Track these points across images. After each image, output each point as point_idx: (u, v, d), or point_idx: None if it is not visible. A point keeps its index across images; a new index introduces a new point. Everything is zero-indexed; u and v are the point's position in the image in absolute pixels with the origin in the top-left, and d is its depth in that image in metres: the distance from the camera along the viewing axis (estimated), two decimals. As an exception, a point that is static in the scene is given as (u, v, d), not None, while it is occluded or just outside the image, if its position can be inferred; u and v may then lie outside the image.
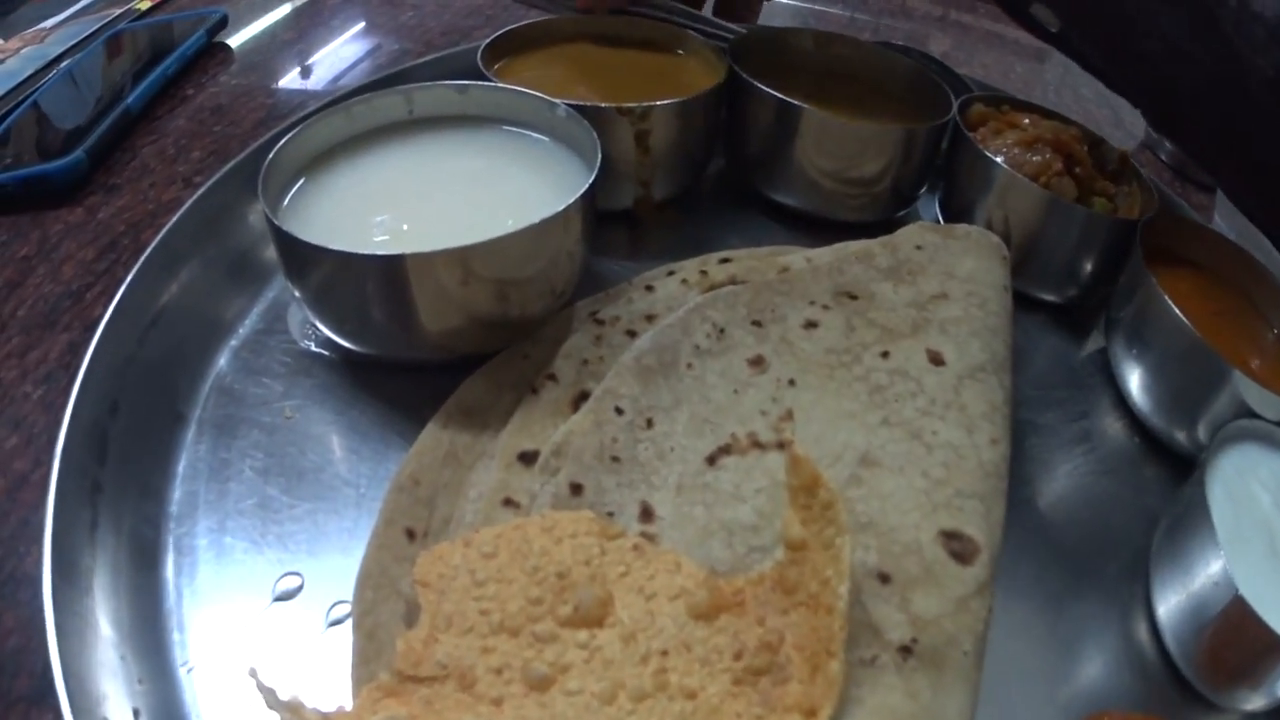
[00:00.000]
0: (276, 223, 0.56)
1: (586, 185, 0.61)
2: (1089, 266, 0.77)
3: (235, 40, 1.06)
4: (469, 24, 1.11)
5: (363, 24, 1.13)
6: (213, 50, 1.02)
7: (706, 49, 0.83)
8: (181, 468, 0.58)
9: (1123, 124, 1.13)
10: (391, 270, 0.56)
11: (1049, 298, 0.80)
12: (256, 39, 1.07)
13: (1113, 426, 0.73)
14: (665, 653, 0.45)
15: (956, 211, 0.82)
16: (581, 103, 0.69)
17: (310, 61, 1.04)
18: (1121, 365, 0.73)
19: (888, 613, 0.48)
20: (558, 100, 0.68)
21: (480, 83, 0.71)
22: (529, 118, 0.71)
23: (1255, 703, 0.55)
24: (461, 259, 0.56)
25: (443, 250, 0.55)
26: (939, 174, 0.85)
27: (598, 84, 0.79)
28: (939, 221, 0.85)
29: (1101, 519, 0.65)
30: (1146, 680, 0.56)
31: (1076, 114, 1.00)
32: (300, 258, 0.58)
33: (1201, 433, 0.67)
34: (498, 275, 0.58)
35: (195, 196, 0.70)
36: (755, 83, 0.77)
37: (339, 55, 1.06)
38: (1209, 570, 0.55)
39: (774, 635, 0.45)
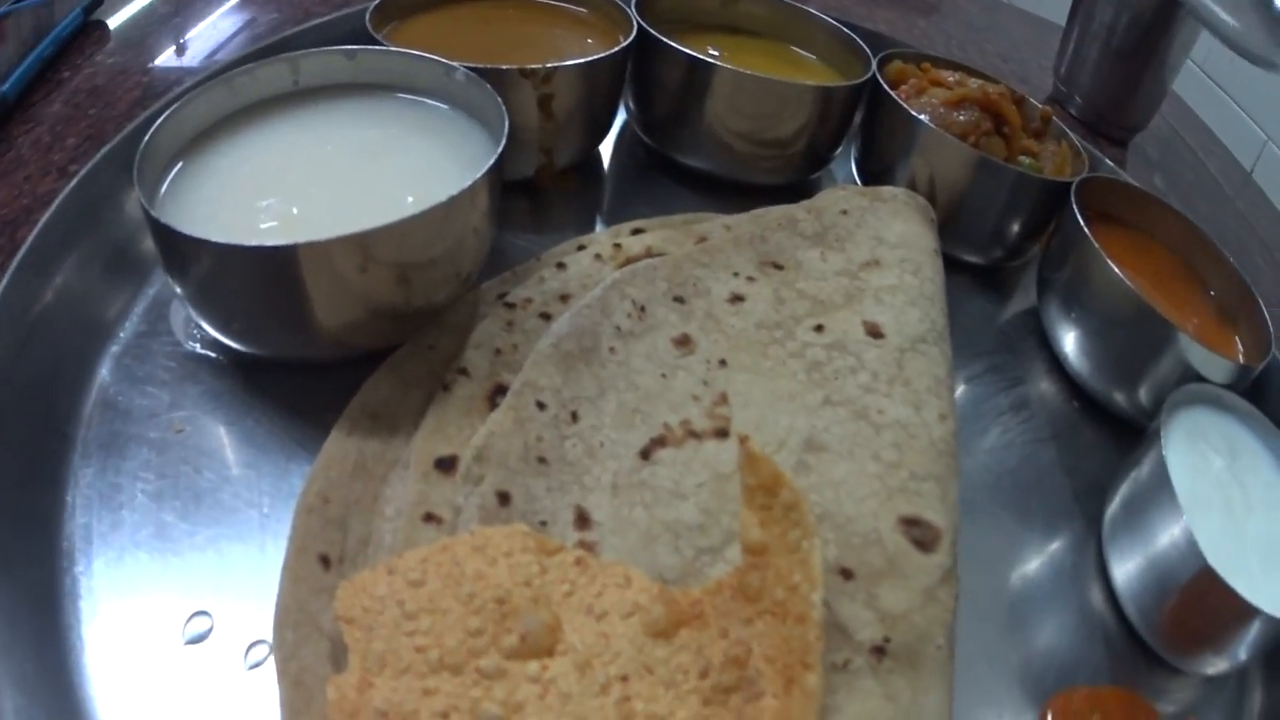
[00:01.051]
0: (153, 213, 0.50)
1: (494, 156, 0.56)
2: (1016, 228, 0.75)
3: (112, 17, 0.98)
4: None
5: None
6: (89, 29, 0.94)
7: (609, 5, 0.78)
8: (70, 497, 0.52)
9: (1029, 80, 1.12)
10: (281, 262, 0.50)
11: (973, 259, 0.78)
12: (133, 15, 0.98)
13: (1049, 391, 0.72)
14: (625, 678, 0.41)
15: (875, 172, 0.79)
16: (480, 65, 0.63)
17: (186, 36, 0.96)
18: (1056, 328, 0.71)
19: (855, 611, 0.46)
20: (455, 63, 0.63)
21: (370, 47, 0.65)
22: (425, 84, 0.65)
23: (1219, 666, 0.56)
24: (360, 246, 0.50)
25: (339, 238, 0.49)
26: (854, 134, 0.82)
27: (496, 45, 0.73)
28: (855, 183, 0.82)
29: (1046, 487, 0.64)
30: (1109, 649, 0.56)
31: (981, 70, 0.99)
32: (180, 252, 0.51)
33: (1143, 395, 0.66)
34: (399, 260, 0.53)
35: (66, 190, 0.63)
36: (666, 40, 0.73)
37: (216, 28, 0.98)
38: (1173, 540, 0.54)
39: (740, 648, 0.42)
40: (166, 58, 0.91)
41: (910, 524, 0.49)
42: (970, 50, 1.15)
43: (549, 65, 0.66)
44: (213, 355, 0.59)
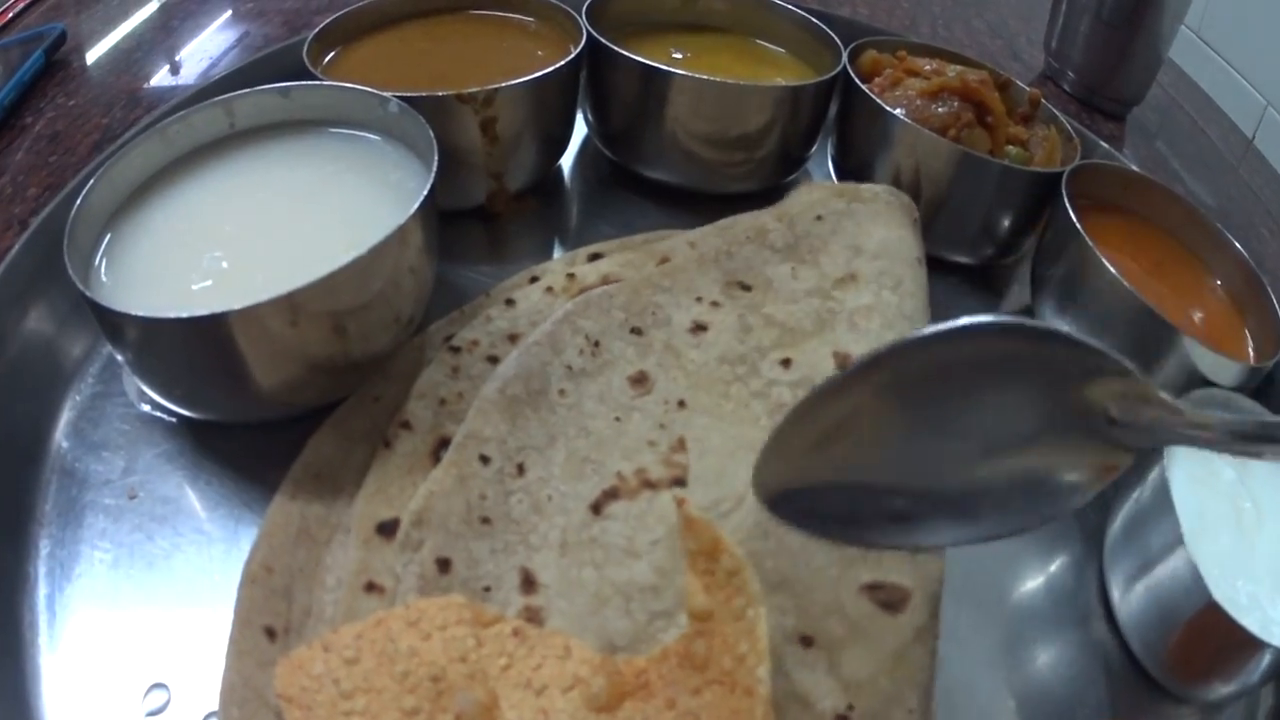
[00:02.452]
0: (82, 288, 0.49)
1: (424, 191, 0.53)
2: (1007, 223, 0.71)
3: (79, 55, 0.97)
4: (310, 8, 1.01)
5: (200, 20, 1.03)
6: (52, 70, 0.93)
7: (558, 14, 0.75)
8: (32, 568, 0.52)
9: (1019, 56, 1.07)
10: (209, 330, 0.48)
11: (963, 259, 0.74)
12: (97, 54, 0.97)
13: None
14: None
15: (853, 171, 0.75)
16: (416, 93, 0.60)
17: (145, 72, 0.94)
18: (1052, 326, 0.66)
19: (815, 680, 0.43)
20: (388, 93, 0.60)
21: (305, 83, 0.63)
22: (359, 116, 0.62)
23: (1226, 692, 0.53)
24: (288, 305, 0.48)
25: (267, 301, 0.47)
26: (829, 130, 0.78)
27: (441, 66, 0.70)
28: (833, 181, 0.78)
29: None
30: (1110, 681, 0.54)
31: (969, 48, 0.95)
32: (111, 325, 0.50)
33: None
34: (332, 310, 0.50)
35: (13, 252, 0.62)
36: (614, 48, 0.69)
37: (174, 58, 0.96)
38: (1175, 571, 0.51)
39: (689, 719, 0.39)
40: (125, 96, 0.89)
41: (874, 589, 0.45)
42: (955, 27, 1.11)
43: (488, 88, 0.63)
44: (165, 417, 0.58)
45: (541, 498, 0.47)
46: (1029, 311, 0.71)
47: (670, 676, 0.40)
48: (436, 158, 0.55)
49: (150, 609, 0.50)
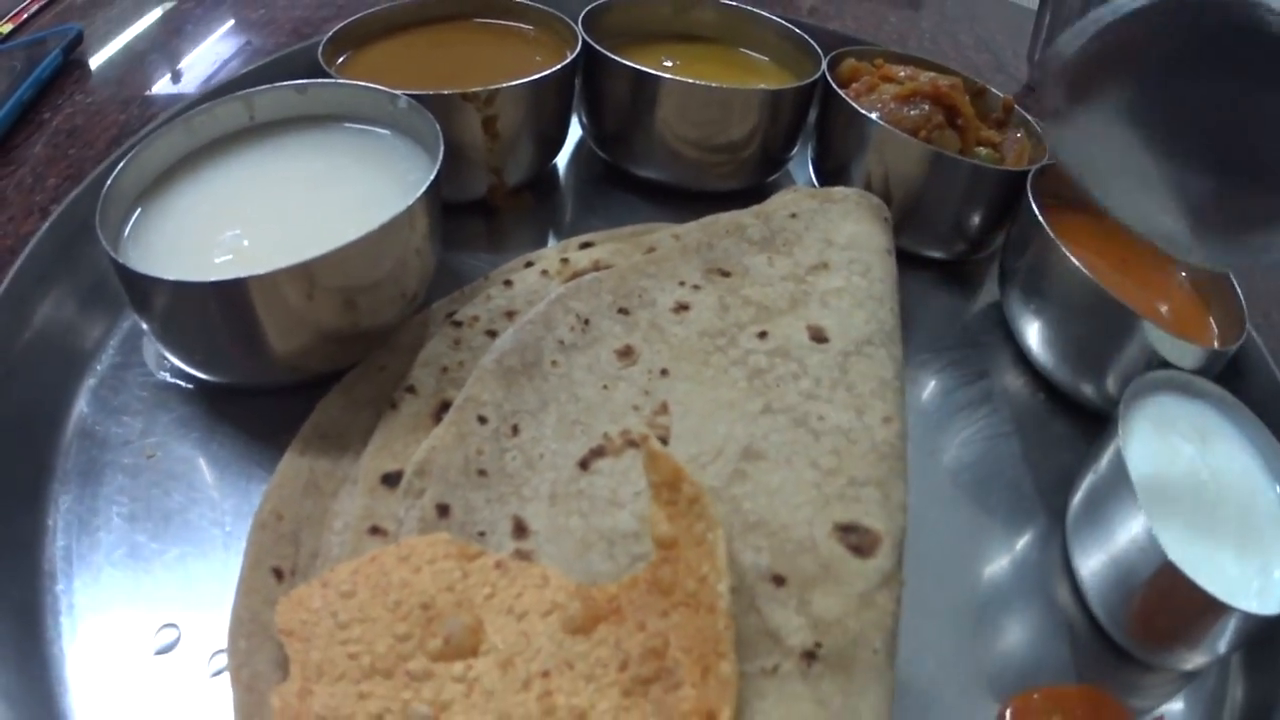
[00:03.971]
0: (114, 256, 0.55)
1: (430, 180, 0.59)
2: (977, 220, 0.77)
3: (94, 55, 1.03)
4: (320, 16, 1.08)
5: (213, 24, 1.09)
6: (69, 69, 0.99)
7: (556, 22, 0.82)
8: (52, 522, 0.56)
9: (1005, 68, 1.13)
10: (231, 294, 0.54)
11: (936, 254, 0.80)
12: (111, 53, 1.04)
13: (1014, 384, 0.73)
14: (547, 674, 0.44)
15: (831, 172, 0.81)
16: (424, 92, 0.66)
17: (161, 72, 1.01)
18: (1019, 319, 0.73)
19: (786, 617, 0.47)
20: (398, 91, 0.66)
21: (320, 80, 0.69)
22: (370, 112, 0.69)
23: (1195, 661, 0.56)
24: (305, 274, 0.54)
25: (285, 268, 0.53)
26: (810, 134, 0.84)
27: (445, 70, 0.77)
28: (813, 184, 0.85)
29: (1012, 482, 0.66)
30: (1075, 647, 0.57)
31: (956, 61, 1.00)
32: (140, 290, 0.56)
33: (1111, 385, 0.68)
34: (344, 285, 0.57)
35: (40, 231, 0.68)
36: (608, 54, 0.76)
37: (189, 61, 1.03)
38: (1133, 535, 0.54)
39: (658, 639, 0.44)
40: (142, 94, 0.95)
41: (847, 530, 0.50)
42: (942, 42, 1.17)
43: (490, 87, 0.69)
44: (182, 384, 0.63)
45: (534, 455, 0.53)
46: (998, 308, 0.77)
47: (639, 601, 0.45)
48: (442, 150, 0.61)
49: (164, 558, 0.55)
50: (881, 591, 0.48)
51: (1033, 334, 0.71)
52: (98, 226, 0.56)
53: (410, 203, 0.57)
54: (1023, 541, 0.62)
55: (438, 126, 0.63)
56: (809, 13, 0.93)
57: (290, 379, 0.61)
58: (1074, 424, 0.70)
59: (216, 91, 0.75)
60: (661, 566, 0.46)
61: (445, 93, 0.68)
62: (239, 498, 0.57)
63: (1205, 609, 0.51)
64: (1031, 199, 0.70)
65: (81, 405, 0.62)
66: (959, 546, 0.61)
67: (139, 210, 0.62)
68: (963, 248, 0.79)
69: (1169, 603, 0.54)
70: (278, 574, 0.50)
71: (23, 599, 0.52)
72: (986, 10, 1.28)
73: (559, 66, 0.73)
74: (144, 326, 0.60)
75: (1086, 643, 0.57)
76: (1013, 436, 0.69)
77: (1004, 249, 0.76)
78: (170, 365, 0.64)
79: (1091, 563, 0.58)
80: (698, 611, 0.44)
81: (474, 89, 0.69)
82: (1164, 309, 0.70)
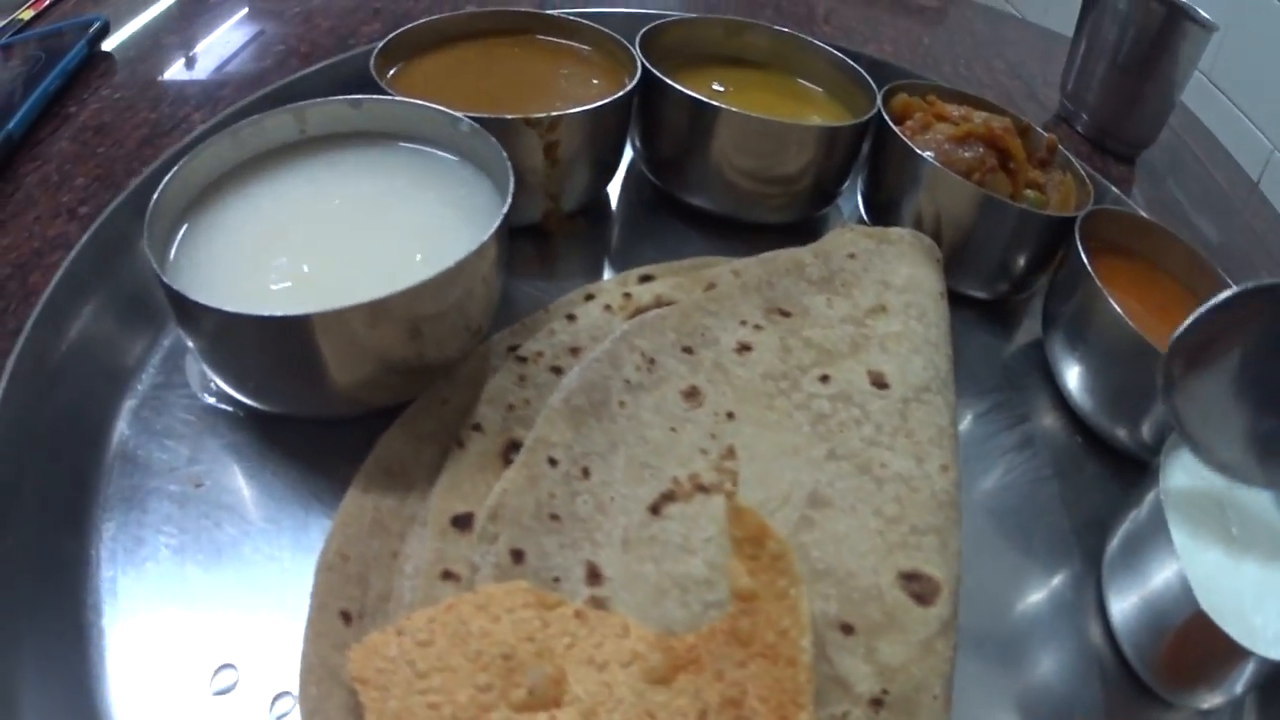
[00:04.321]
0: (165, 279, 0.53)
1: (502, 214, 0.59)
2: (1022, 262, 0.78)
3: (118, 45, 1.00)
4: (356, 19, 1.06)
5: (246, 25, 1.07)
6: (94, 61, 0.96)
7: (610, 42, 0.81)
8: (94, 551, 0.54)
9: (1036, 96, 1.14)
10: (295, 330, 0.52)
11: (979, 294, 0.80)
12: (138, 45, 1.01)
13: (1053, 426, 0.74)
14: None
15: (882, 208, 0.82)
16: (485, 115, 0.66)
17: (193, 71, 0.98)
18: (1061, 363, 0.74)
19: (854, 665, 0.48)
20: (459, 113, 0.65)
21: (375, 96, 0.68)
22: (429, 132, 0.68)
23: (1212, 701, 0.58)
24: (375, 311, 0.53)
25: (354, 306, 0.52)
26: (861, 166, 0.85)
27: (500, 88, 0.76)
28: (862, 218, 0.85)
29: (1051, 524, 0.67)
30: (1105, 685, 0.59)
31: (988, 87, 1.01)
32: (191, 316, 0.54)
33: (1145, 432, 0.69)
34: (410, 317, 0.56)
35: (80, 243, 0.66)
36: (670, 82, 0.75)
37: (222, 60, 1.00)
38: (1168, 582, 0.56)
39: (735, 689, 0.45)
40: (173, 90, 0.93)
41: (910, 578, 0.51)
42: (976, 67, 1.18)
43: (553, 114, 0.69)
44: (228, 408, 0.62)
45: (605, 499, 0.53)
46: (1039, 346, 0.78)
47: (718, 651, 0.46)
48: (512, 180, 0.60)
49: (217, 594, 0.53)
50: (940, 638, 0.50)
51: (1073, 378, 0.72)
52: (146, 246, 0.54)
53: (485, 237, 0.56)
54: (1060, 582, 0.63)
55: (505, 155, 0.62)
56: (824, 20, 0.93)
57: (348, 412, 0.60)
58: (1107, 466, 0.71)
59: (263, 100, 0.73)
60: (740, 618, 0.47)
61: (507, 117, 0.67)
62: (296, 531, 0.56)
63: (1230, 655, 0.53)
64: (1080, 247, 0.71)
65: (122, 426, 0.60)
66: (998, 587, 0.62)
67: (185, 226, 0.60)
68: (1005, 289, 0.80)
69: (1197, 648, 0.55)
70: (345, 617, 0.50)
71: (66, 634, 0.50)
72: (1017, 34, 1.30)
73: (620, 94, 0.73)
74: (189, 345, 0.58)
75: (1115, 681, 0.59)
76: (1052, 480, 0.69)
77: (1049, 292, 0.77)
78: (216, 388, 0.62)
79: (1126, 604, 0.60)
80: (776, 663, 0.45)
81: (537, 114, 0.68)
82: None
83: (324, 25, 1.03)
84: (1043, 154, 0.82)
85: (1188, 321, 0.58)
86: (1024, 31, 1.32)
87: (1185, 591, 0.54)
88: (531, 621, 0.47)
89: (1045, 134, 0.82)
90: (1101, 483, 0.70)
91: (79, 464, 0.58)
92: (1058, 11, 1.23)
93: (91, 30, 0.96)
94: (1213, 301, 0.58)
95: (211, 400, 0.62)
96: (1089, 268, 0.70)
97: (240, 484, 0.58)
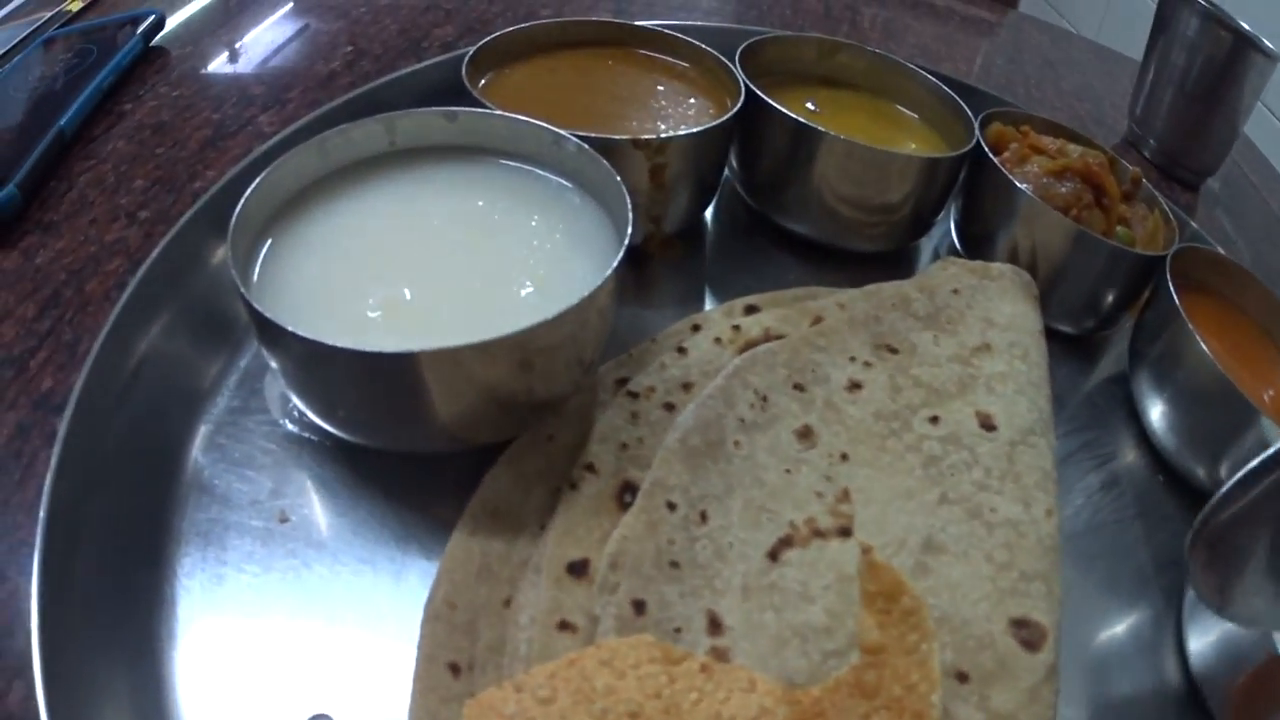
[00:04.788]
0: (255, 305, 0.49)
1: (624, 245, 0.55)
2: (1111, 299, 0.77)
3: (171, 41, 0.96)
4: (427, 20, 1.02)
5: (309, 23, 1.03)
6: (149, 56, 0.92)
7: (711, 60, 0.79)
8: (170, 589, 0.51)
9: (1104, 120, 1.12)
10: (401, 367, 0.49)
11: (1066, 329, 0.79)
12: (194, 41, 0.97)
13: (1137, 465, 0.73)
14: None
15: (976, 238, 0.80)
16: (590, 134, 0.63)
17: (253, 69, 0.94)
18: (1145, 401, 0.73)
19: (969, 714, 0.48)
20: (564, 131, 0.62)
21: (471, 109, 0.65)
22: (530, 150, 0.64)
23: None
24: (485, 350, 0.49)
25: (466, 346, 0.48)
26: (955, 195, 0.83)
27: (597, 102, 0.74)
28: (953, 246, 0.84)
29: (1132, 564, 0.66)
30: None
31: (1059, 109, 1.00)
32: (283, 346, 0.50)
33: (1224, 472, 0.68)
34: (523, 356, 0.52)
35: (151, 257, 0.62)
36: (771, 102, 0.73)
37: (287, 59, 0.96)
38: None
39: None
40: (235, 90, 0.89)
41: (1019, 625, 0.50)
42: (1046, 89, 1.16)
43: (662, 135, 0.66)
44: (312, 437, 0.59)
45: (723, 544, 0.52)
46: (1124, 379, 0.77)
47: (842, 704, 0.45)
48: (630, 209, 0.57)
49: (308, 637, 0.50)
50: (1046, 684, 0.49)
51: (1158, 416, 0.72)
52: (229, 264, 0.51)
53: (607, 271, 0.53)
54: (1140, 621, 0.62)
55: (619, 180, 0.59)
56: (872, 35, 0.90)
57: (446, 449, 0.57)
58: (1188, 505, 0.70)
59: (344, 107, 0.71)
60: (866, 671, 0.46)
61: (615, 138, 0.65)
62: (394, 572, 0.53)
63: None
64: (1171, 287, 0.70)
65: (196, 454, 0.57)
66: (1081, 627, 0.61)
67: (269, 241, 0.57)
68: (1091, 324, 0.79)
69: (1269, 689, 0.56)
70: (454, 669, 0.48)
71: (140, 678, 0.47)
72: (1083, 56, 1.28)
73: (729, 115, 0.71)
74: (273, 366, 0.54)
75: (1187, 716, 0.58)
76: (1136, 520, 0.68)
77: (1135, 330, 0.76)
78: (298, 414, 0.59)
79: (1203, 645, 0.59)
80: (901, 716, 0.44)
81: (646, 136, 0.66)
82: (1268, 395, 0.71)
83: (393, 27, 1.00)
84: (1127, 187, 0.80)
85: (1214, 500, 0.51)
86: (1088, 52, 1.30)
87: (1264, 635, 0.55)
88: (658, 677, 0.45)
89: (1130, 167, 0.81)
90: (1182, 522, 0.69)
91: (151, 494, 0.54)
92: (1112, 27, 1.22)
93: (146, 24, 0.93)
94: (1238, 477, 0.51)
95: (293, 427, 0.59)
96: (1180, 309, 0.69)
97: (331, 520, 0.55)
